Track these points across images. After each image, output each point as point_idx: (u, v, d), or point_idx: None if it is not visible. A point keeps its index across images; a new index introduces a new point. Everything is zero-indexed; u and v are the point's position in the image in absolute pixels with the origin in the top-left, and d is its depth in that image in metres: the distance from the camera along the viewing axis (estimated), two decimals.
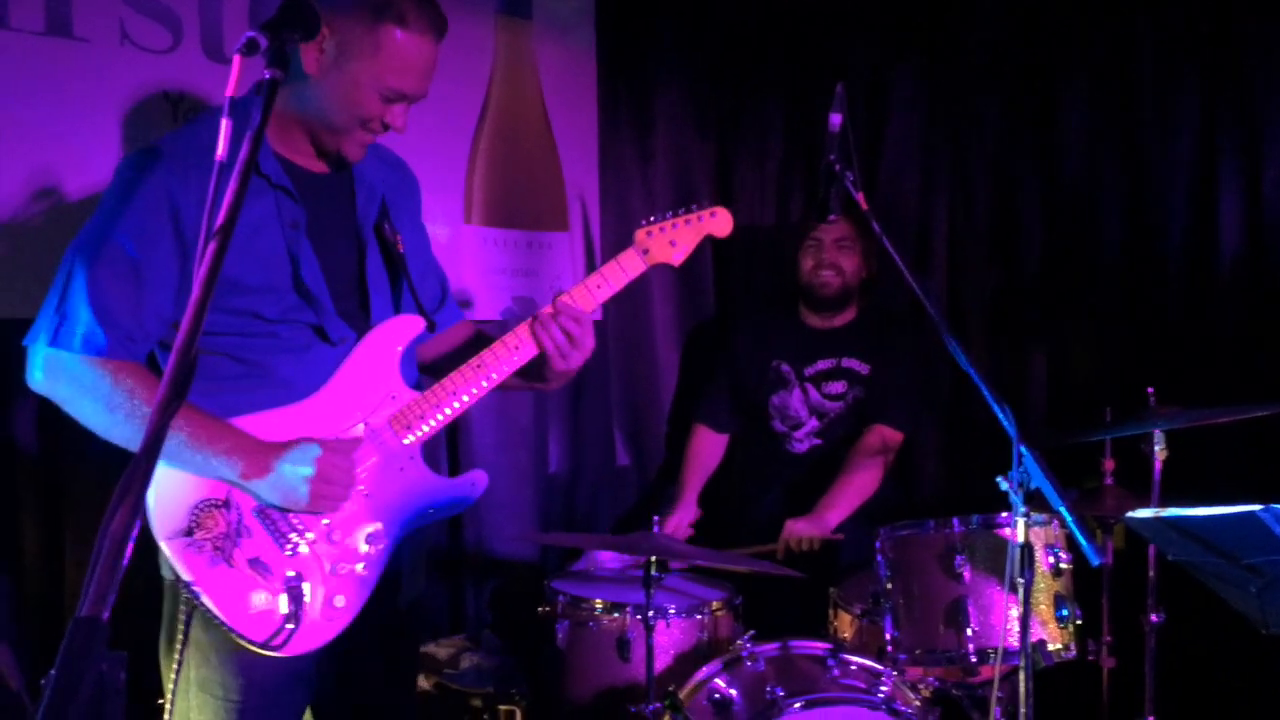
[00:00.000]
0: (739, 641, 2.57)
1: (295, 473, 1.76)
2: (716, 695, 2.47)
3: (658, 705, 2.45)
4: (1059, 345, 3.68)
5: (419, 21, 1.81)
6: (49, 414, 2.51)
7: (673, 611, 2.71)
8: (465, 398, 1.97)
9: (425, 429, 1.94)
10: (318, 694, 1.97)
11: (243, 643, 1.78)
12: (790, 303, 3.48)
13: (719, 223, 2.23)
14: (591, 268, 3.60)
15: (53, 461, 2.55)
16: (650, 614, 2.48)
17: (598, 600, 2.75)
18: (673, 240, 2.16)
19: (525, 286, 3.41)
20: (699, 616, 2.74)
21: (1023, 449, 1.98)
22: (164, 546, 1.75)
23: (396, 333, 1.97)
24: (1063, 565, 2.50)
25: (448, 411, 1.96)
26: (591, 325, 2.06)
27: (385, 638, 2.02)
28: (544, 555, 3.52)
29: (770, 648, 2.57)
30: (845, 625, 2.85)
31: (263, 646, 1.78)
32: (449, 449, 3.25)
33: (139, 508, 1.02)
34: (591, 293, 2.07)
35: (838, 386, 3.38)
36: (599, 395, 3.66)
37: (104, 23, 2.50)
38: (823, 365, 3.39)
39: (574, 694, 2.74)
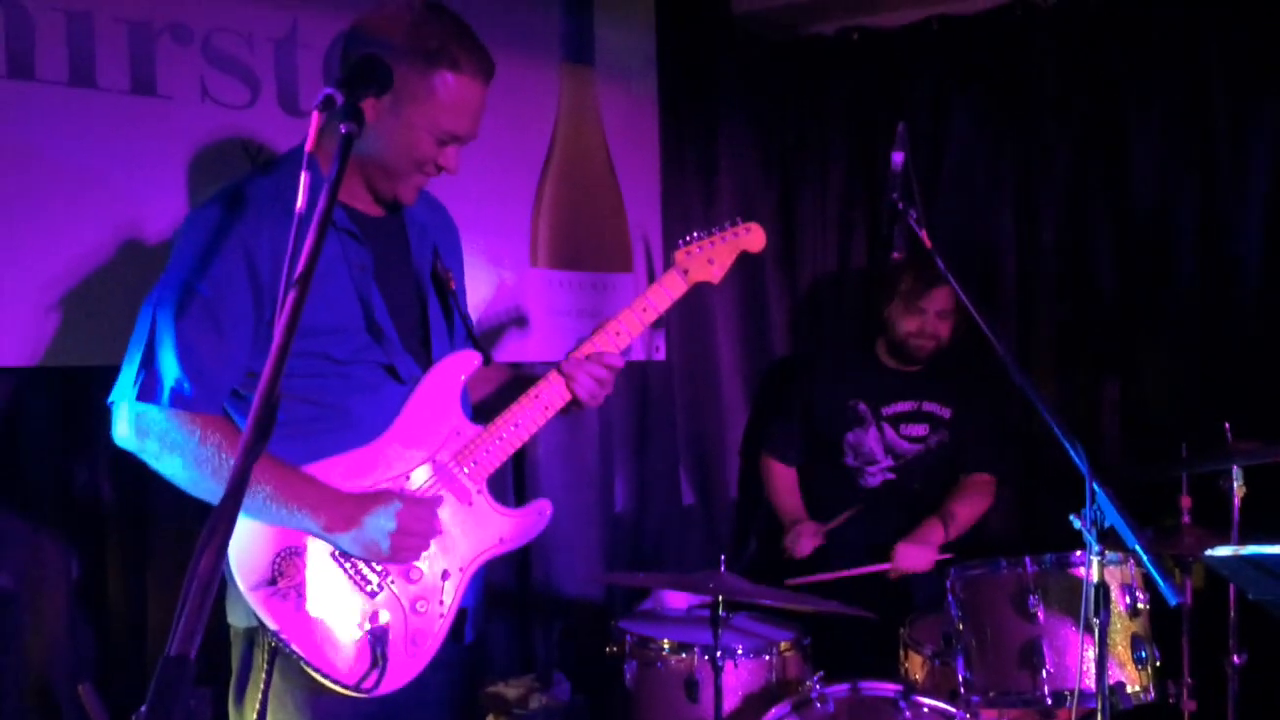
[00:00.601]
0: (808, 683, 2.56)
1: (377, 526, 1.80)
2: None
3: None
4: (1132, 379, 3.61)
5: (470, 65, 1.86)
6: (133, 462, 2.60)
7: (740, 652, 2.69)
8: (527, 430, 2.01)
9: (491, 463, 1.98)
10: None
11: (335, 687, 1.79)
12: (867, 342, 3.50)
13: (753, 238, 2.26)
14: None
15: (137, 506, 2.62)
16: (718, 654, 2.48)
17: (665, 640, 2.75)
18: (711, 258, 2.20)
19: (590, 328, 3.41)
20: (767, 657, 2.72)
21: (1096, 486, 1.95)
22: (249, 597, 1.76)
23: (457, 368, 2.00)
24: (1140, 605, 2.44)
25: (512, 444, 2.00)
26: (619, 366, 2.09)
27: (449, 673, 2.04)
28: (611, 595, 3.53)
29: (840, 689, 2.55)
30: (916, 667, 2.81)
31: (355, 689, 1.79)
32: (515, 488, 3.28)
33: (225, 550, 1.06)
34: (639, 316, 2.11)
35: (919, 429, 3.41)
36: (664, 435, 3.67)
37: (186, 81, 2.59)
38: (902, 407, 3.41)
39: None
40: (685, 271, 2.17)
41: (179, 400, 1.75)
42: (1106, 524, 1.97)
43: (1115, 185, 3.64)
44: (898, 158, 2.31)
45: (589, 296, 3.47)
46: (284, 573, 1.77)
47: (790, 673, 2.75)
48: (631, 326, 2.10)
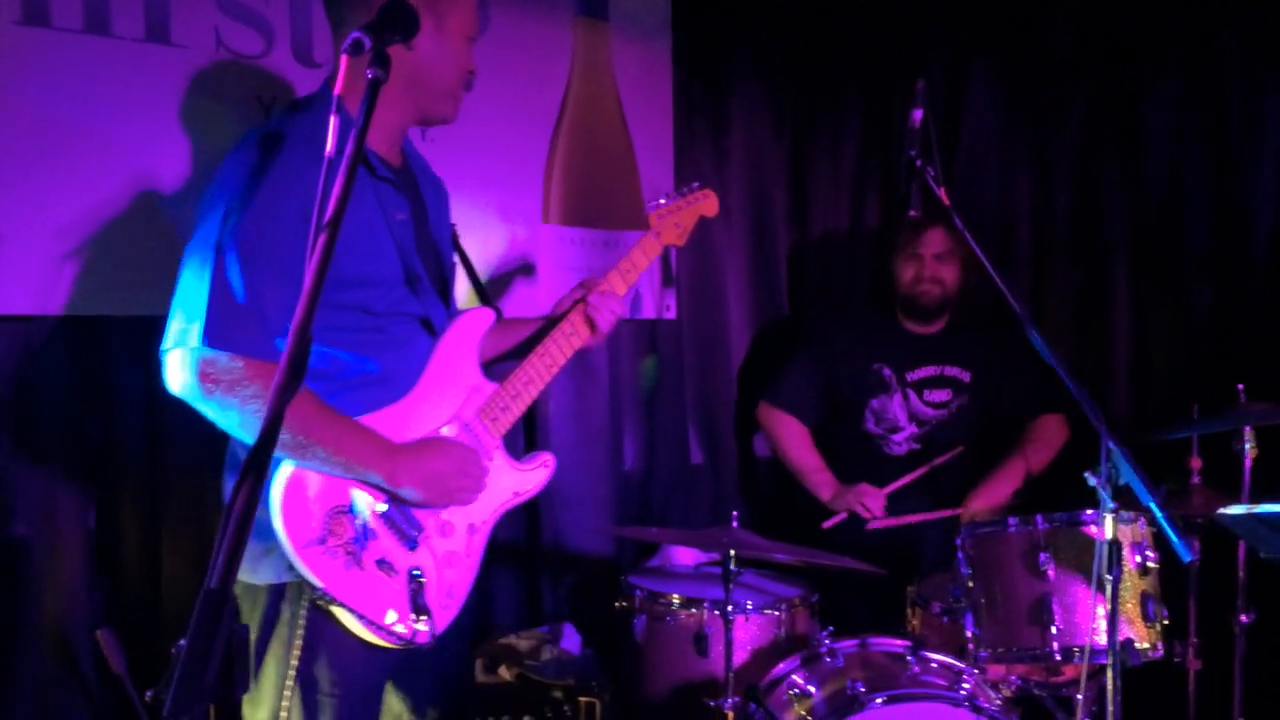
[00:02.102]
0: (817, 638, 2.58)
1: (437, 471, 1.85)
2: (796, 690, 2.48)
3: (736, 699, 2.47)
4: (1144, 341, 3.62)
5: None
6: (146, 410, 2.61)
7: (750, 607, 2.72)
8: (538, 386, 2.07)
9: (509, 419, 2.02)
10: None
11: (382, 641, 1.81)
12: (886, 306, 3.47)
13: (709, 204, 2.39)
14: (666, 266, 3.64)
15: (151, 454, 2.63)
16: (728, 609, 2.50)
17: (675, 595, 2.77)
18: (677, 222, 2.33)
19: None
20: (776, 613, 2.75)
21: (1111, 444, 1.96)
22: (297, 556, 1.74)
23: (474, 325, 2.03)
24: (1150, 564, 2.46)
25: (526, 401, 2.05)
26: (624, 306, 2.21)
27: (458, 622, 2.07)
28: (620, 551, 3.55)
29: (849, 644, 2.57)
30: (923, 624, 2.83)
31: (410, 642, 1.83)
32: (526, 444, 3.28)
33: (260, 488, 1.06)
34: (624, 277, 2.21)
35: (941, 395, 3.39)
36: (673, 394, 3.68)
37: (200, 30, 2.57)
38: (925, 372, 3.39)
39: (652, 688, 2.77)
40: (659, 234, 2.29)
41: (251, 349, 1.69)
42: (1121, 482, 1.98)
43: (1129, 147, 3.63)
44: (917, 115, 2.31)
45: (600, 254, 3.46)
46: (333, 531, 1.77)
47: (799, 628, 2.78)
48: (618, 288, 2.20)
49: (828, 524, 3.26)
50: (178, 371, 1.71)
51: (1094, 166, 3.69)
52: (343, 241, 1.78)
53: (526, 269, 3.30)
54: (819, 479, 3.37)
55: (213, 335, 1.68)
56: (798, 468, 3.43)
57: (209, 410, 1.72)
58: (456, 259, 2.19)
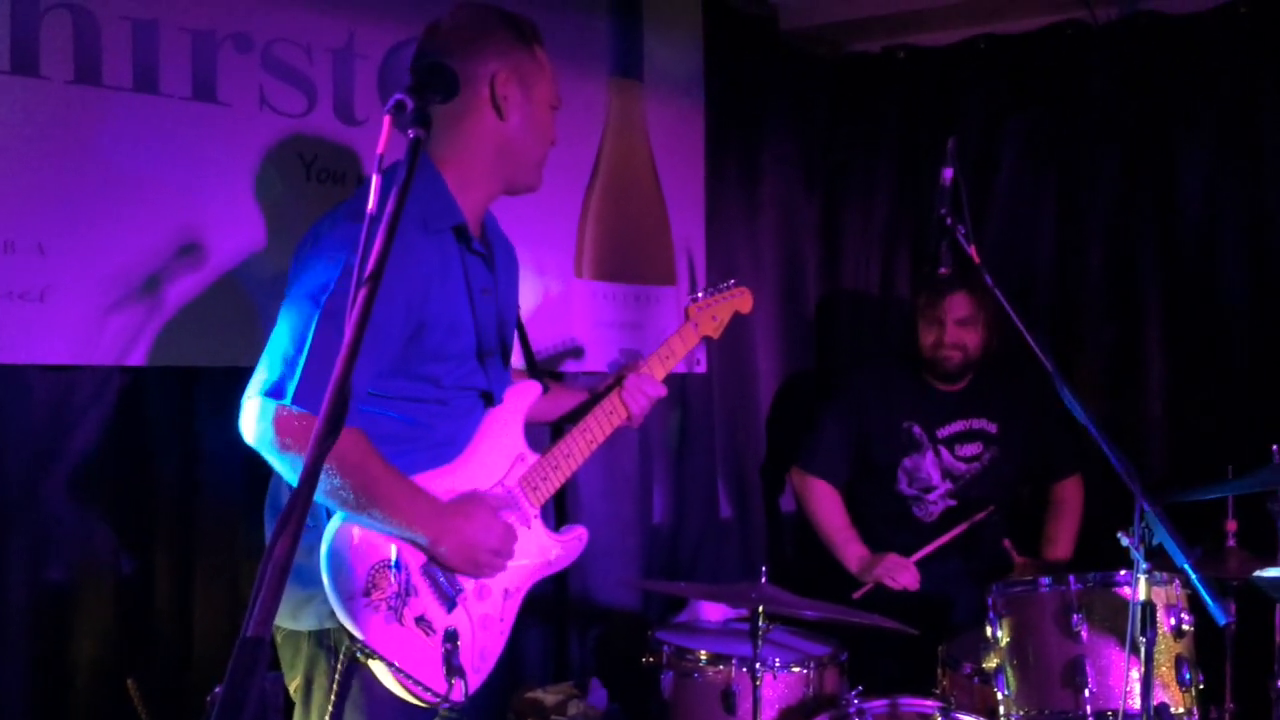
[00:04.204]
0: (846, 697, 2.56)
1: (477, 544, 1.88)
2: None
3: None
4: (1177, 400, 3.59)
5: (539, 35, 2.01)
6: (180, 461, 2.65)
7: (778, 664, 2.69)
8: (579, 459, 2.14)
9: (549, 489, 2.08)
10: None
11: (414, 698, 1.83)
12: (912, 363, 3.46)
13: (744, 300, 2.52)
14: None
15: (185, 503, 2.66)
16: (756, 666, 2.48)
17: (702, 651, 2.76)
18: (714, 315, 2.45)
19: (633, 339, 3.46)
20: (804, 670, 2.72)
21: (1145, 504, 1.95)
22: (342, 607, 1.78)
23: (522, 397, 2.09)
24: (1185, 627, 2.43)
25: (566, 473, 2.11)
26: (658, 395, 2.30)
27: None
28: (646, 605, 3.54)
29: (878, 704, 2.55)
30: (954, 685, 2.80)
31: (444, 700, 1.84)
32: (556, 499, 3.29)
33: (299, 535, 1.08)
34: (663, 363, 2.32)
35: (971, 449, 3.38)
36: (703, 447, 3.68)
37: (245, 88, 2.64)
38: (955, 427, 3.39)
39: None
40: (696, 325, 2.41)
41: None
42: (1155, 542, 1.96)
43: (1162, 206, 3.62)
44: (947, 173, 2.33)
45: (632, 309, 3.49)
46: (377, 585, 1.80)
47: (827, 687, 2.75)
48: (656, 371, 2.30)
49: (857, 594, 3.24)
50: (256, 420, 1.74)
51: (1127, 223, 3.69)
52: (434, 316, 1.84)
53: (558, 322, 3.33)
54: (848, 550, 3.35)
55: (302, 395, 1.71)
56: (828, 536, 3.42)
57: (279, 462, 1.76)
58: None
